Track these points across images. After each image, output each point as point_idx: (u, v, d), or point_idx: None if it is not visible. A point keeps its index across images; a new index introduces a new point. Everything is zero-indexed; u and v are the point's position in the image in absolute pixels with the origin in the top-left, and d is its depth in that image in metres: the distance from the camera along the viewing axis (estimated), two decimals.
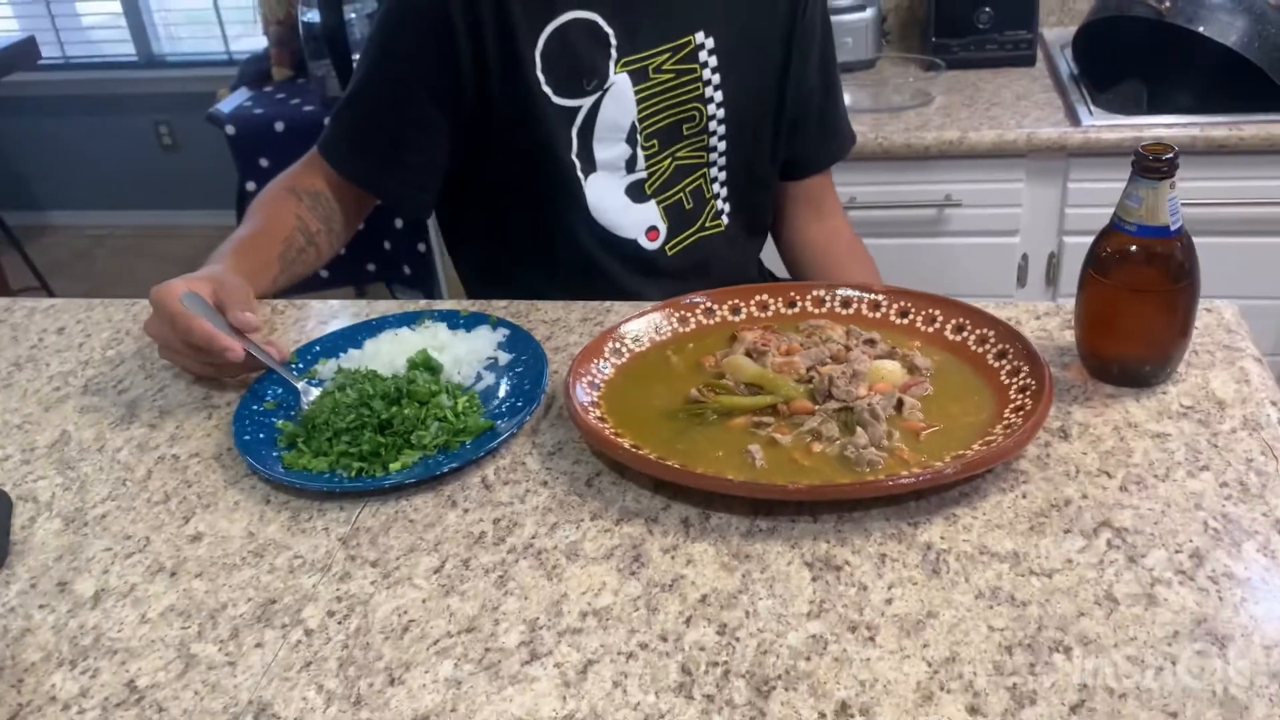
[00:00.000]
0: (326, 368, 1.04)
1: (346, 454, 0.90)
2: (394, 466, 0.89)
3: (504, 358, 1.03)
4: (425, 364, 0.99)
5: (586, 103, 1.20)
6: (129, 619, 0.77)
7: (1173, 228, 0.84)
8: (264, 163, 2.57)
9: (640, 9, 1.20)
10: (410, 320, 1.09)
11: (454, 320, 1.09)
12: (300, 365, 1.05)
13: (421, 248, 2.66)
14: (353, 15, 2.45)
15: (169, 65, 4.21)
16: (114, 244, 4.37)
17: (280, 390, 1.01)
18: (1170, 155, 0.82)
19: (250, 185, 2.61)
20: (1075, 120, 1.97)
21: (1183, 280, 0.85)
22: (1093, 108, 2.00)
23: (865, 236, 1.49)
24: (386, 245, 2.70)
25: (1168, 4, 1.93)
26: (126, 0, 4.09)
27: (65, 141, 4.35)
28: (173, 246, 4.19)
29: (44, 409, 1.05)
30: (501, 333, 1.06)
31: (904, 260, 2.01)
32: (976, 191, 2.04)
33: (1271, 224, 1.91)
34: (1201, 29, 1.90)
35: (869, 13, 2.29)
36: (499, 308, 1.16)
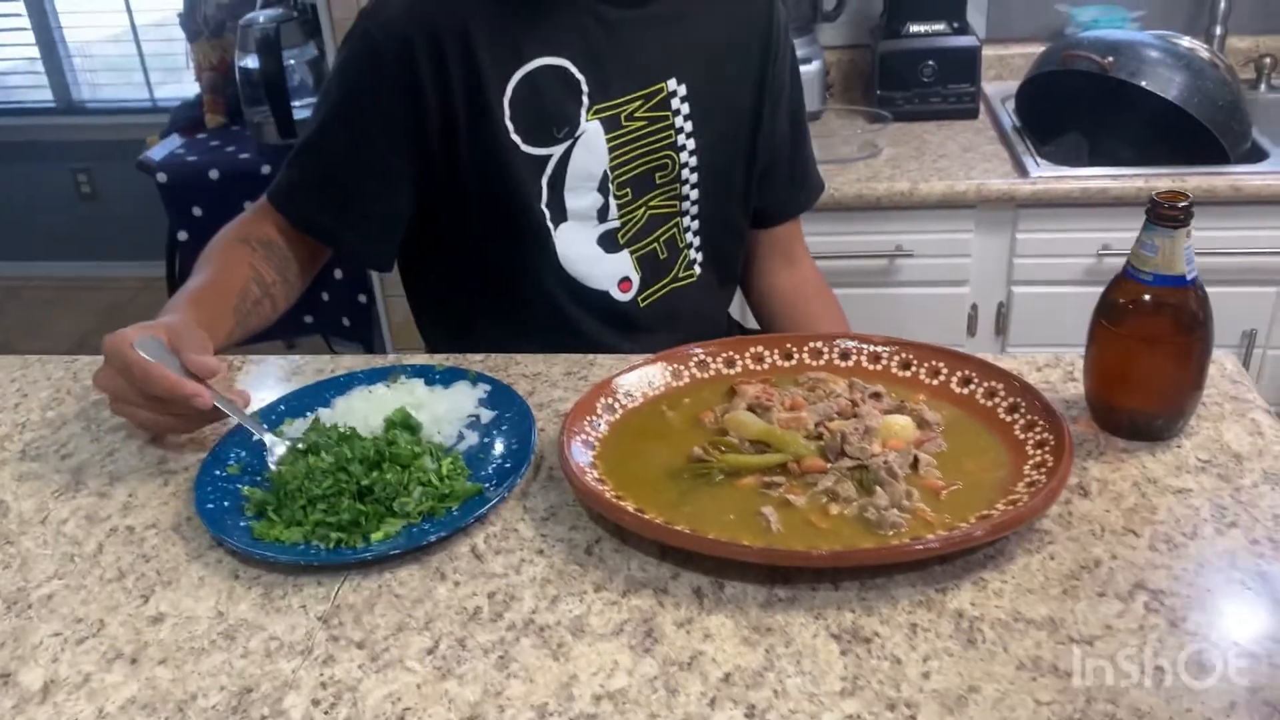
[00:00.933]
0: (293, 429, 0.97)
1: (323, 523, 0.83)
2: (376, 537, 0.82)
3: (486, 415, 0.97)
4: (404, 423, 0.93)
5: (557, 151, 1.16)
6: (85, 714, 0.69)
7: (1189, 277, 0.82)
8: (197, 211, 2.47)
9: (611, 56, 1.17)
10: (382, 376, 1.03)
11: (430, 376, 1.03)
12: (264, 427, 0.98)
13: (362, 299, 2.58)
14: (292, 61, 2.39)
15: (89, 112, 4.08)
16: (29, 295, 4.20)
17: (244, 453, 0.94)
18: (1186, 203, 0.80)
19: (183, 234, 2.51)
20: (1023, 172, 1.99)
21: (1197, 331, 0.83)
22: (1039, 159, 2.02)
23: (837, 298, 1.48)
24: (325, 296, 2.62)
25: (1110, 59, 1.97)
26: (44, 44, 3.96)
27: None
28: (92, 298, 4.03)
29: None
30: (482, 388, 1.00)
31: (856, 309, 1.98)
32: (926, 242, 2.04)
33: (1210, 274, 1.91)
34: (1144, 83, 1.94)
35: (814, 65, 2.30)
36: (475, 361, 1.10)
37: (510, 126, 1.13)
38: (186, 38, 2.86)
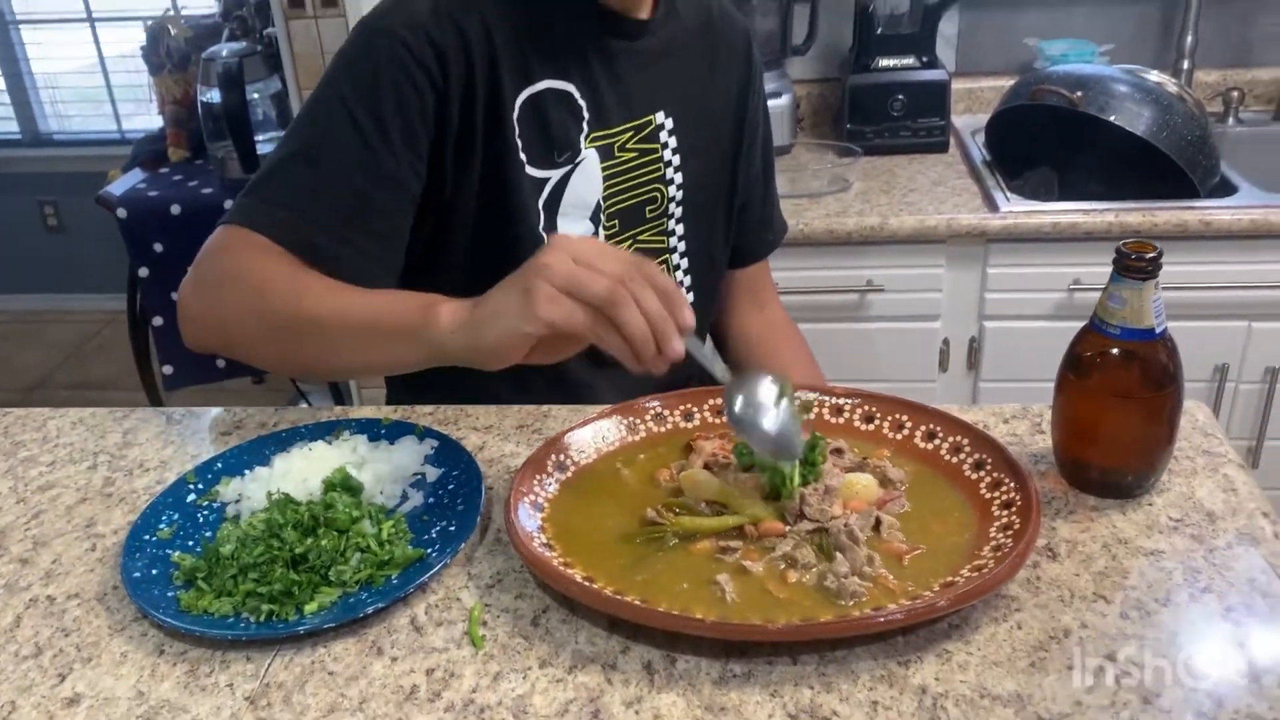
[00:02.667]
0: (230, 489, 0.92)
1: (254, 594, 0.78)
2: (309, 608, 0.78)
3: (433, 473, 0.93)
4: (344, 484, 0.88)
5: (555, 175, 1.13)
6: None
7: (1157, 330, 0.79)
8: (158, 247, 2.42)
9: (609, 85, 1.15)
10: (325, 432, 0.99)
11: (375, 431, 0.99)
12: (200, 486, 0.93)
13: None
14: (255, 95, 2.35)
15: (56, 144, 4.03)
16: None
17: (176, 515, 0.89)
18: (1154, 254, 0.77)
19: (143, 271, 2.46)
20: (993, 206, 1.97)
21: (1168, 385, 0.80)
22: (1009, 194, 2.01)
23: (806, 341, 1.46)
24: None
25: (1079, 93, 1.96)
26: (10, 76, 3.91)
27: None
28: (57, 331, 3.97)
29: None
30: (429, 444, 0.96)
31: (828, 345, 1.97)
32: (897, 277, 2.02)
33: (1182, 308, 1.91)
34: (1113, 118, 1.93)
35: (785, 100, 2.29)
36: (424, 414, 1.06)
37: (519, 144, 1.09)
38: (149, 71, 2.82)
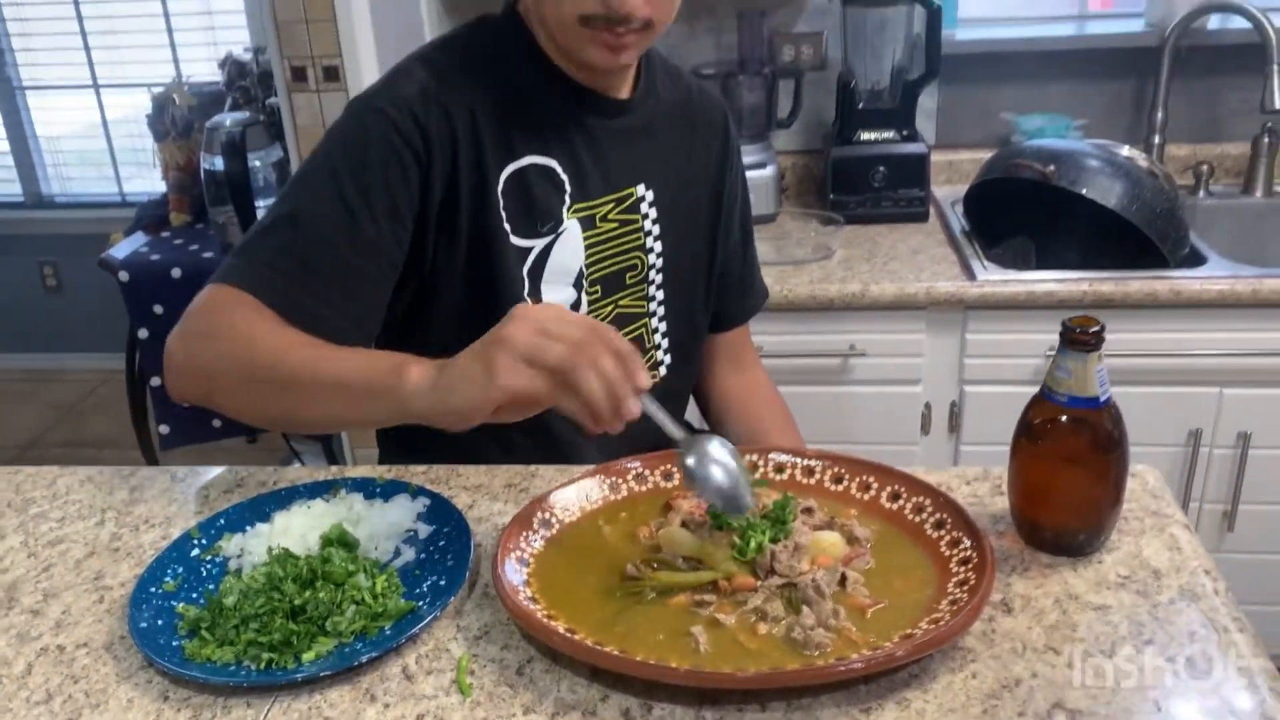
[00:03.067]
0: (232, 544, 0.97)
1: (255, 643, 0.83)
2: (307, 656, 0.82)
3: (424, 530, 0.98)
4: (340, 540, 0.94)
5: (539, 244, 1.19)
6: None
7: (1102, 399, 0.85)
8: (158, 309, 2.49)
9: (590, 160, 1.21)
10: (323, 490, 1.04)
11: (370, 489, 1.04)
12: (203, 541, 0.98)
13: None
14: (257, 163, 2.43)
15: (57, 205, 4.10)
16: None
17: (181, 569, 0.94)
18: (1097, 329, 0.83)
19: (143, 332, 2.53)
20: (971, 275, 2.03)
21: (1114, 450, 0.86)
22: (986, 263, 2.07)
23: (785, 401, 1.50)
24: None
25: (1052, 168, 2.03)
26: (15, 140, 4.00)
27: None
28: (53, 390, 4.00)
29: None
30: (421, 502, 1.01)
31: (811, 408, 2.02)
32: (879, 342, 2.07)
33: (1154, 375, 1.98)
34: (1085, 191, 2.00)
35: (769, 170, 2.36)
36: (417, 473, 1.11)
37: (503, 215, 1.16)
38: (154, 138, 2.91)
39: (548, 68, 1.17)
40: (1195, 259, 2.04)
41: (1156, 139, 2.40)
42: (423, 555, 0.95)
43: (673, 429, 0.90)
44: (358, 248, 1.09)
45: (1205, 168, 2.39)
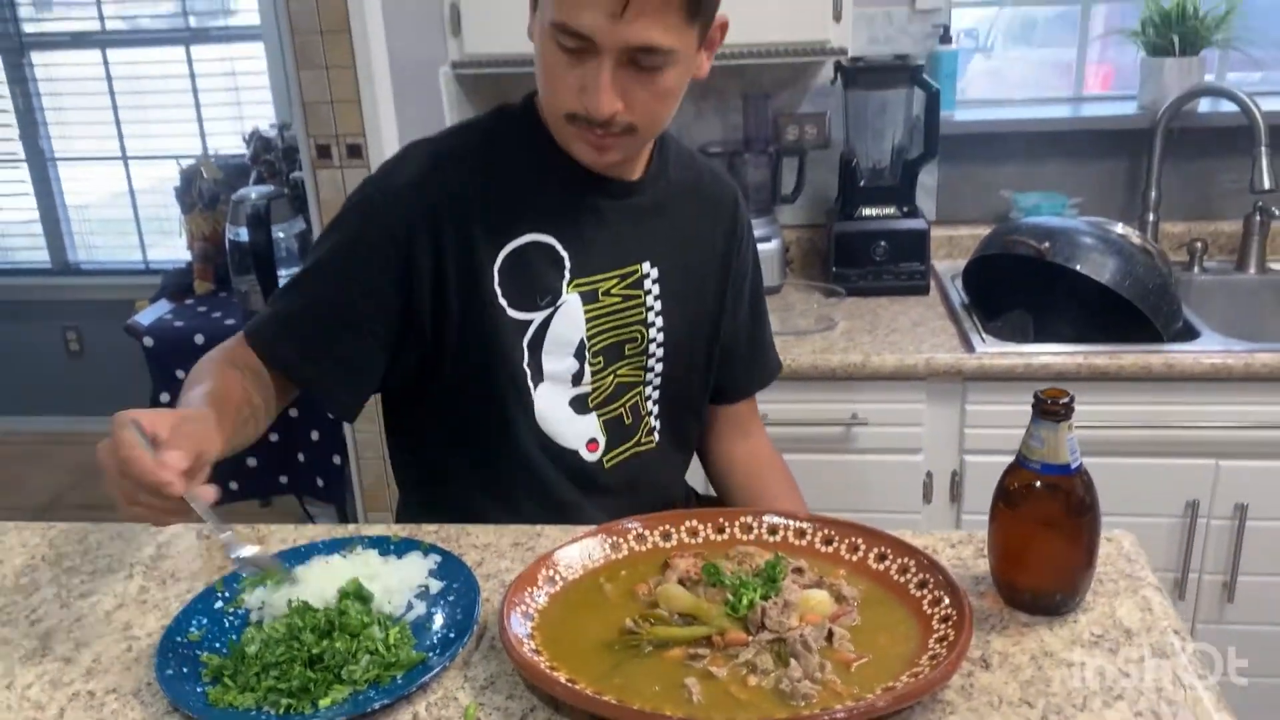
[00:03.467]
0: (254, 596, 1.02)
1: (275, 689, 0.88)
2: (324, 703, 0.87)
3: (435, 585, 1.03)
4: (357, 594, 0.99)
5: (539, 317, 1.25)
6: None
7: (1073, 465, 0.90)
8: (180, 374, 2.56)
9: (595, 238, 1.27)
10: (341, 547, 1.09)
11: (385, 546, 1.09)
12: (226, 594, 1.03)
13: (336, 460, 2.64)
14: (280, 234, 2.52)
15: (82, 272, 4.21)
16: (6, 449, 4.23)
17: (205, 620, 0.99)
18: (1067, 399, 0.89)
19: (164, 396, 2.60)
20: (969, 347, 2.08)
21: (1085, 515, 0.91)
22: (984, 335, 2.12)
23: (788, 466, 1.54)
24: (301, 457, 2.68)
25: (1047, 244, 2.09)
26: (45, 209, 4.11)
27: None
28: (71, 453, 4.06)
29: None
30: (433, 559, 1.07)
31: (815, 476, 2.05)
32: (881, 411, 2.11)
33: (1151, 446, 2.01)
34: (1078, 267, 2.06)
35: (774, 244, 2.43)
36: (429, 532, 1.16)
37: (499, 291, 1.23)
38: (181, 210, 3.01)
39: (555, 153, 1.24)
40: (1189, 333, 2.08)
41: (1150, 216, 2.45)
42: (433, 609, 1.00)
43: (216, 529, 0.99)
44: (341, 320, 1.23)
45: (1199, 244, 2.44)
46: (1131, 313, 2.03)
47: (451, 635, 0.95)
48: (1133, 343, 2.02)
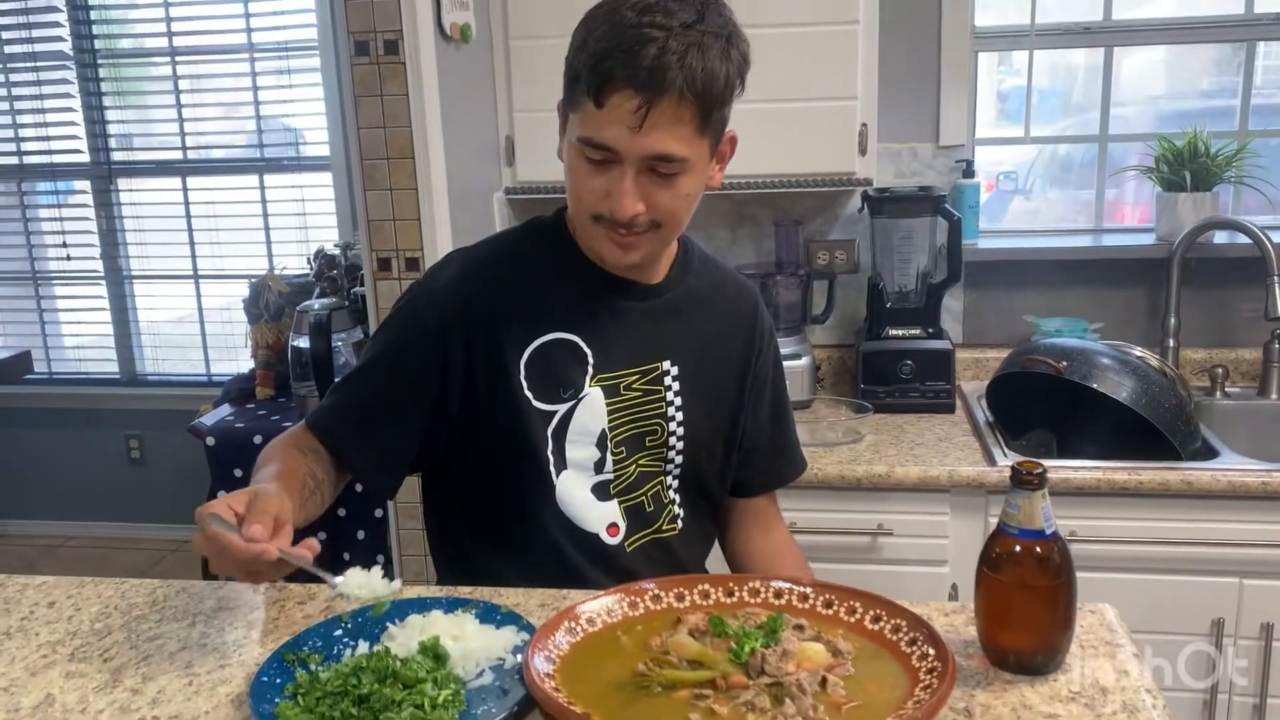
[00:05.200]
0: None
1: (327, 716, 0.97)
2: None
3: (511, 661, 1.08)
4: (433, 650, 1.06)
5: (562, 408, 1.36)
6: None
7: (1047, 531, 0.99)
8: (238, 473, 2.70)
9: (617, 336, 1.39)
10: (455, 605, 1.17)
11: (490, 614, 1.16)
12: (348, 625, 1.14)
13: (380, 559, 2.74)
14: (339, 344, 2.68)
15: (148, 383, 4.38)
16: (63, 554, 4.35)
17: (320, 643, 1.11)
18: (1040, 470, 0.99)
19: (221, 493, 2.72)
20: (992, 461, 2.15)
21: (1061, 577, 1.00)
22: (1006, 450, 2.19)
23: (806, 560, 1.60)
24: (346, 557, 2.78)
25: (1065, 363, 2.17)
26: (118, 322, 4.34)
27: (33, 451, 4.40)
28: (127, 558, 4.17)
29: (30, 674, 1.12)
30: (524, 636, 1.11)
31: (843, 584, 2.11)
32: (906, 522, 2.17)
33: (1176, 564, 2.05)
34: (1095, 386, 2.13)
35: (805, 361, 2.54)
36: (464, 592, 1.26)
37: (525, 384, 1.35)
38: (248, 320, 3.21)
39: (581, 259, 1.38)
40: (1209, 453, 2.13)
41: (1171, 342, 2.53)
42: (500, 681, 1.06)
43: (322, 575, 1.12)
44: (387, 412, 1.38)
45: (1221, 370, 2.51)
46: (1152, 435, 2.08)
47: (493, 710, 1.00)
48: (1151, 460, 2.06)
